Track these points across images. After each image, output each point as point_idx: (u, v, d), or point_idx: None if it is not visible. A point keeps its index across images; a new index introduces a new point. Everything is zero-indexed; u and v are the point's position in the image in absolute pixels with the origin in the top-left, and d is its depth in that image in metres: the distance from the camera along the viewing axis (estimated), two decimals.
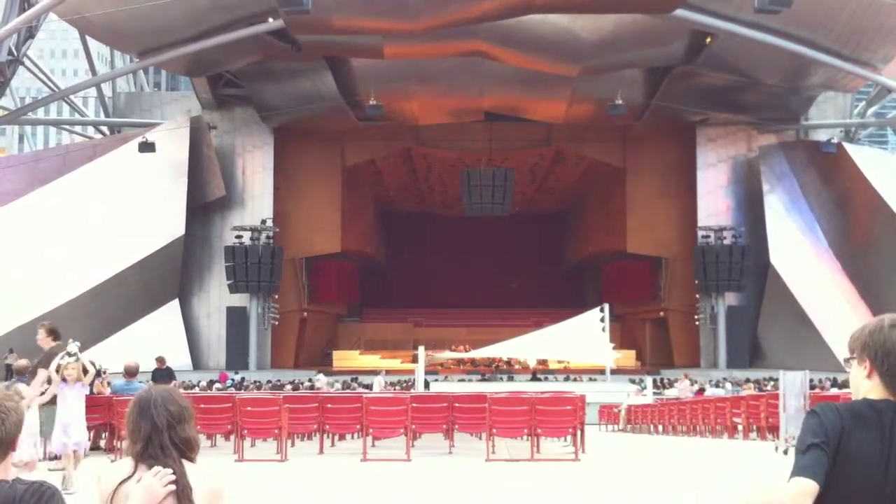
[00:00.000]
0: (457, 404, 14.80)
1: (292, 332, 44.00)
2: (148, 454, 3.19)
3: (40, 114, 43.89)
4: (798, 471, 2.47)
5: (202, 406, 14.16)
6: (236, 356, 39.89)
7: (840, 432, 2.50)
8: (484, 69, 34.83)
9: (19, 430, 2.96)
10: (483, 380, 37.06)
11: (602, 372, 34.90)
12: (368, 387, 28.76)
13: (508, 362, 43.95)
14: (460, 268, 54.97)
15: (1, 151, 77.12)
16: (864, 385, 2.63)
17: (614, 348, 34.79)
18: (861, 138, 46.34)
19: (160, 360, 19.88)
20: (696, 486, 10.74)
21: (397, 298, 53.07)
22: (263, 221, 40.85)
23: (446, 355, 43.45)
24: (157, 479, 3.11)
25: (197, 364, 39.43)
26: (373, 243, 50.81)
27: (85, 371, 10.58)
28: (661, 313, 45.25)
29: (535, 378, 37.08)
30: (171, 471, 3.13)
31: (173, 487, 3.11)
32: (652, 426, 25.13)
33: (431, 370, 37.98)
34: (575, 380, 35.23)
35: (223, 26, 30.78)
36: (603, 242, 47.89)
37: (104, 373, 16.67)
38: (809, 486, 2.44)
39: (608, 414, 28.18)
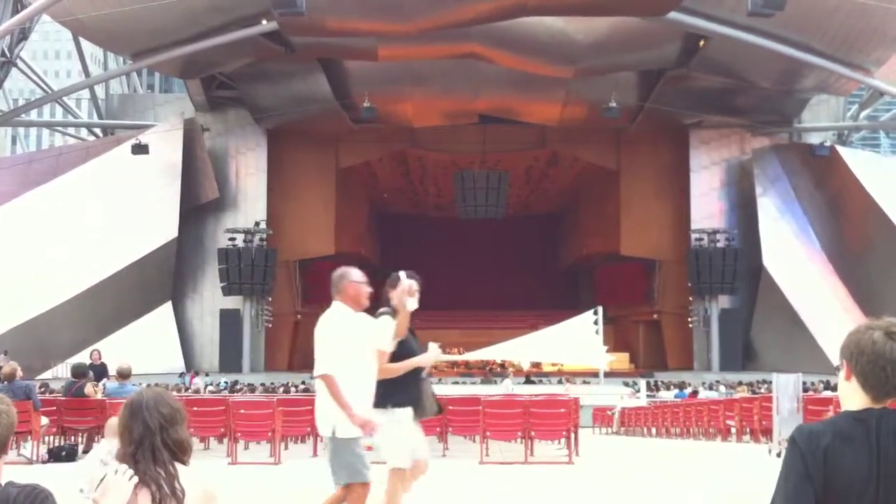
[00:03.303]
0: (451, 407, 14.78)
1: (286, 334, 43.92)
2: (138, 457, 3.18)
3: (33, 115, 43.76)
4: None
5: (195, 409, 14.12)
6: (230, 359, 39.84)
7: (824, 456, 2.48)
8: (478, 71, 34.86)
9: (11, 433, 2.95)
10: (484, 382, 37.06)
11: (596, 375, 34.98)
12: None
13: (502, 365, 43.96)
14: (454, 270, 54.90)
15: None
16: (845, 390, 2.61)
17: (608, 351, 34.87)
18: (854, 141, 46.54)
19: (95, 354, 18.48)
20: (690, 489, 10.74)
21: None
22: (257, 223, 40.80)
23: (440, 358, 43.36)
24: (121, 475, 3.12)
25: (190, 366, 39.36)
26: (367, 245, 50.76)
27: None
28: (655, 316, 45.29)
29: (528, 381, 37.07)
30: (126, 466, 3.15)
31: (136, 479, 3.11)
32: (645, 429, 25.15)
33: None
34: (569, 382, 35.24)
35: (217, 28, 30.76)
36: (597, 245, 47.95)
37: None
38: None
39: (602, 417, 28.20)
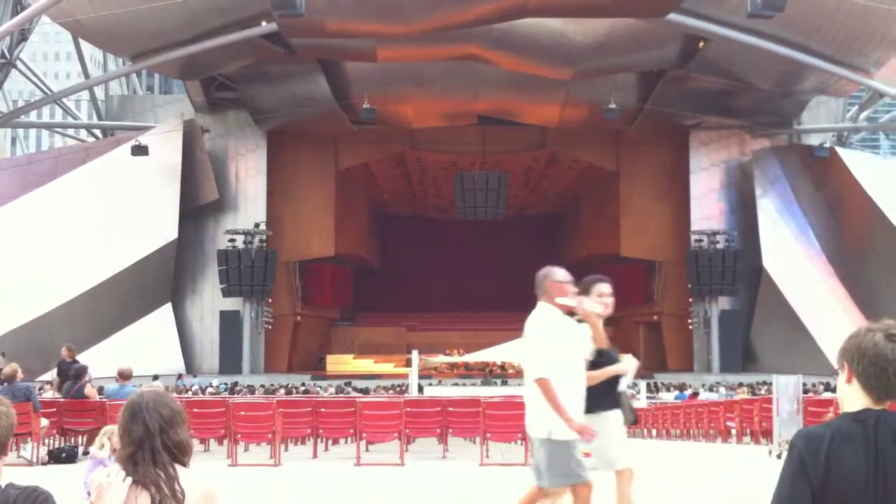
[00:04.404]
0: (451, 408, 14.78)
1: (286, 335, 43.92)
2: (137, 458, 3.18)
3: (33, 117, 43.73)
4: None
5: (195, 410, 14.12)
6: (230, 360, 39.81)
7: (826, 458, 2.48)
8: (478, 73, 34.87)
9: (10, 434, 2.94)
10: (484, 383, 37.03)
11: None
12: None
13: (502, 366, 43.94)
14: (454, 271, 54.95)
15: None
16: (846, 393, 2.62)
17: None
18: (853, 142, 46.49)
19: (69, 349, 17.65)
20: (690, 490, 10.73)
21: (391, 302, 53.03)
22: (257, 225, 40.79)
23: (440, 359, 43.46)
24: (114, 476, 3.12)
25: (190, 368, 39.36)
26: (366, 247, 50.78)
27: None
28: (655, 317, 45.27)
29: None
30: (119, 467, 3.15)
31: (130, 480, 3.11)
32: (645, 430, 25.13)
33: (425, 374, 37.98)
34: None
35: (216, 29, 30.76)
36: (596, 246, 47.94)
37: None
38: None
39: None
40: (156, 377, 33.18)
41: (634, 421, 7.05)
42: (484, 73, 34.88)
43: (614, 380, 6.46)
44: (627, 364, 6.56)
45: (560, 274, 6.07)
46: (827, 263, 38.82)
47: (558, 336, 5.91)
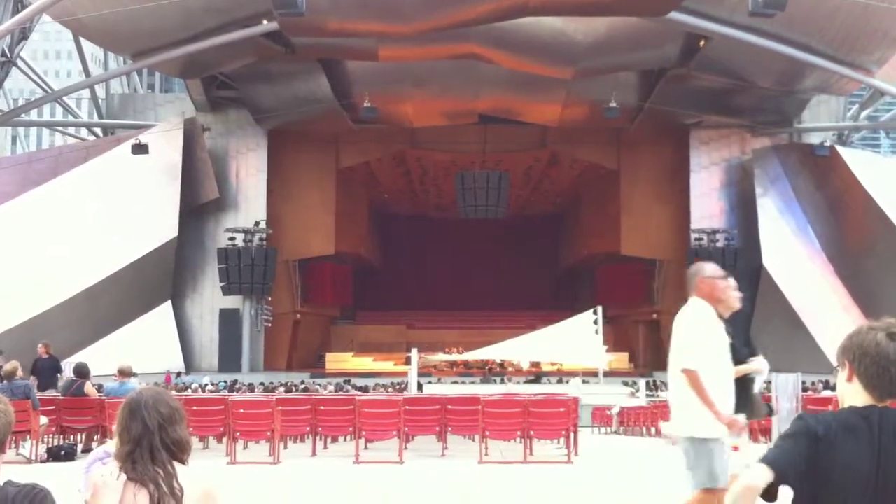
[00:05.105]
0: (450, 407, 14.78)
1: (286, 334, 43.95)
2: (136, 456, 3.18)
3: (33, 115, 43.77)
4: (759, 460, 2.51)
5: (194, 408, 14.12)
6: (229, 358, 39.84)
7: (828, 444, 2.49)
8: (478, 72, 34.86)
9: (9, 432, 2.95)
10: (483, 381, 37.07)
11: (595, 374, 34.99)
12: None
13: (502, 364, 43.98)
14: (454, 270, 54.97)
15: None
16: (847, 391, 2.62)
17: (607, 351, 34.91)
18: (854, 141, 46.47)
19: (45, 346, 17.53)
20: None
21: (391, 300, 53.05)
22: (257, 223, 40.81)
23: (439, 357, 43.50)
24: (110, 475, 3.13)
25: (190, 366, 39.37)
26: (367, 245, 50.78)
27: None
28: (655, 315, 45.24)
29: (536, 380, 36.93)
30: (116, 465, 3.16)
31: (125, 478, 3.12)
32: (644, 428, 25.13)
33: (425, 372, 38.01)
34: (568, 382, 35.25)
35: (217, 28, 30.76)
36: (597, 245, 47.94)
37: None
38: (758, 481, 2.48)
39: (601, 416, 28.19)
40: (134, 375, 33.07)
41: (770, 413, 6.94)
42: (485, 72, 34.87)
43: (746, 381, 6.36)
44: (760, 364, 6.50)
45: (709, 269, 6.01)
46: (827, 262, 38.79)
47: (708, 331, 5.88)
